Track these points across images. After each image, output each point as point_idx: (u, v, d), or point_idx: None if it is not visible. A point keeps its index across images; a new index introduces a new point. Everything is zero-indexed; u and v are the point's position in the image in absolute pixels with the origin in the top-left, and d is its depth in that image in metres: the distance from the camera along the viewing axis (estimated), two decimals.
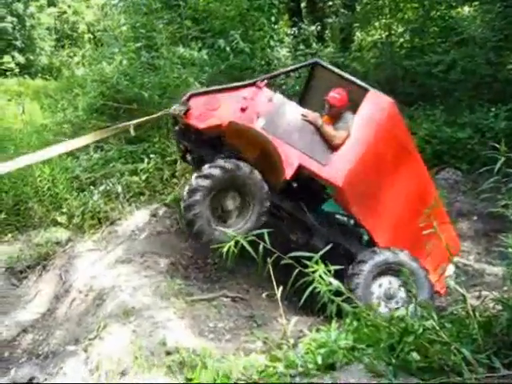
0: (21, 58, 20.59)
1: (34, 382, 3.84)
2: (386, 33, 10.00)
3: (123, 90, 6.89)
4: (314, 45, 9.55)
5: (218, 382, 2.30)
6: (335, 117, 4.59)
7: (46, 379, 3.77)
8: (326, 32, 11.19)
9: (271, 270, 2.24)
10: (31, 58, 22.01)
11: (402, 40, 9.83)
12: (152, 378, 2.74)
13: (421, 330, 1.92)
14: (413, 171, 4.65)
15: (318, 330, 2.45)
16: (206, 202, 4.14)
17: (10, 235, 5.85)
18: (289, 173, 4.29)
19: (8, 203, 5.98)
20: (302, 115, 4.46)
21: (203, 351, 2.75)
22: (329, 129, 4.42)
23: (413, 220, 4.02)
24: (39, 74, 20.36)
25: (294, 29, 9.76)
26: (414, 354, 1.99)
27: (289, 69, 5.65)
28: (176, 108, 4.52)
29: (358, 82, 4.71)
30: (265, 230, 1.89)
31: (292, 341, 2.46)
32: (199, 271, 4.82)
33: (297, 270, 1.83)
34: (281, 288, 2.36)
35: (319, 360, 2.23)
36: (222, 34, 7.65)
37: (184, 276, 4.59)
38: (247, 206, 4.37)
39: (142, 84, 6.76)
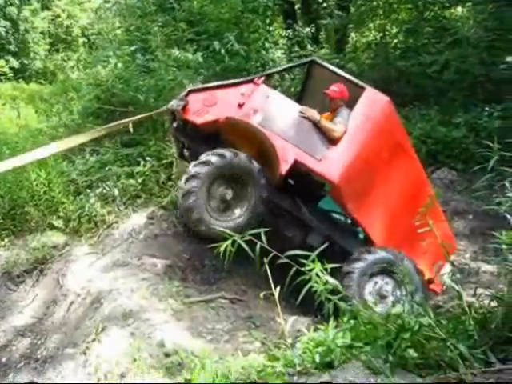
0: (15, 63, 20.53)
1: None
2: (381, 34, 10.06)
3: (118, 93, 6.90)
4: (309, 46, 9.59)
5: (217, 382, 2.31)
6: (334, 111, 4.65)
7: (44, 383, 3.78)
8: (321, 33, 11.22)
9: (268, 270, 2.26)
10: (25, 62, 21.96)
11: (396, 41, 9.87)
12: (151, 380, 2.75)
13: (417, 327, 1.94)
14: (408, 169, 4.65)
15: (315, 329, 2.46)
16: (203, 189, 4.15)
17: (6, 240, 5.81)
18: (284, 168, 4.31)
19: (4, 207, 5.94)
20: (300, 112, 4.50)
21: (202, 352, 2.76)
22: (327, 123, 4.45)
23: (408, 218, 4.02)
24: (34, 78, 20.32)
25: (288, 31, 9.80)
26: (411, 351, 2.00)
27: (286, 66, 5.70)
28: (174, 103, 4.58)
29: (355, 80, 4.75)
30: (261, 230, 1.90)
31: (290, 340, 2.47)
32: (196, 273, 4.80)
33: (293, 269, 1.84)
34: (278, 288, 2.37)
35: (317, 359, 2.24)
36: (217, 36, 7.67)
37: (181, 278, 4.58)
38: (245, 195, 4.37)
39: (138, 87, 6.76)
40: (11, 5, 21.53)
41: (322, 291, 2.11)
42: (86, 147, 6.82)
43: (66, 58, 18.91)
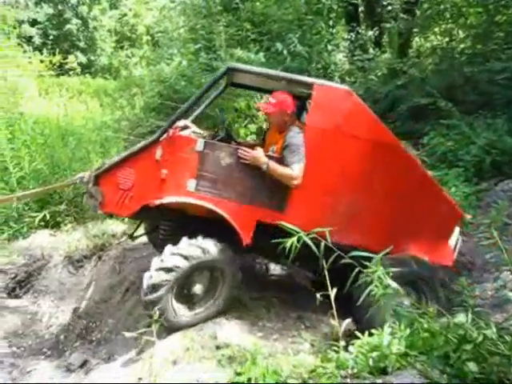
0: (83, 58, 21.56)
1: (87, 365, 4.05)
2: (447, 38, 9.72)
3: (181, 89, 7.07)
4: (371, 50, 9.43)
5: (268, 378, 2.33)
6: (282, 127, 3.70)
7: (98, 363, 3.95)
8: (384, 37, 11.01)
9: (326, 271, 2.25)
10: (92, 58, 23.02)
11: (463, 46, 9.51)
12: (202, 369, 2.81)
13: (480, 339, 1.88)
14: (396, 163, 3.56)
15: (370, 334, 2.43)
16: (175, 284, 3.45)
17: (69, 225, 6.12)
18: (247, 237, 3.51)
19: (68, 195, 6.26)
20: (240, 158, 3.46)
21: (253, 347, 2.79)
22: (278, 169, 3.42)
23: (408, 211, 3.61)
24: (99, 74, 21.29)
25: (351, 33, 9.68)
26: (471, 364, 1.94)
27: (202, 91, 3.69)
28: (89, 202, 3.73)
29: (295, 76, 3.68)
30: (327, 229, 1.90)
31: (343, 343, 2.45)
32: (250, 271, 4.84)
33: (356, 270, 1.83)
34: (335, 289, 2.36)
35: (371, 363, 2.22)
36: (279, 37, 7.69)
37: None
38: (216, 286, 3.68)
39: (200, 84, 6.90)
40: (83, 4, 22.65)
41: (380, 296, 2.08)
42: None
43: (129, 55, 19.66)
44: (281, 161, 3.47)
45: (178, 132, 3.53)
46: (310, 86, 3.48)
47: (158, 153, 3.47)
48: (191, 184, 3.48)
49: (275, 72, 3.82)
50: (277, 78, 3.66)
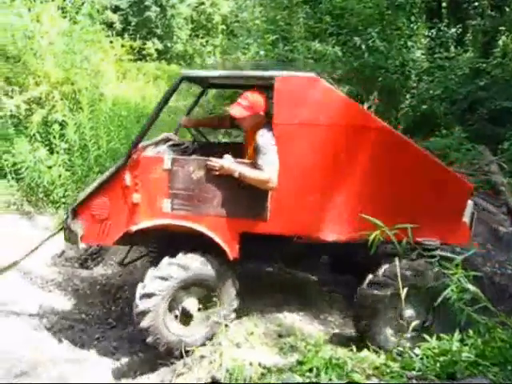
0: (159, 45, 22.21)
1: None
2: None
3: None
4: (453, 48, 9.03)
5: (331, 370, 2.34)
6: (256, 129, 3.37)
7: None
8: (467, 35, 10.48)
9: (398, 270, 2.22)
10: (168, 45, 23.65)
11: None
12: (265, 355, 2.87)
13: None
14: (383, 146, 3.21)
15: (438, 338, 2.38)
16: (162, 307, 3.31)
17: None
18: (233, 251, 3.33)
19: None
20: (212, 170, 3.23)
21: (317, 338, 2.81)
22: (251, 173, 3.15)
23: (410, 194, 3.21)
24: (174, 60, 21.88)
25: (432, 30, 9.30)
26: None
27: (159, 106, 3.42)
28: (70, 237, 3.60)
29: (251, 73, 3.42)
30: (409, 226, 1.87)
31: (409, 344, 2.42)
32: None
33: (435, 270, 1.79)
34: (405, 289, 2.32)
35: (438, 367, 2.18)
36: (357, 31, 7.55)
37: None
38: (212, 305, 3.46)
39: None
40: None
41: (455, 300, 2.03)
42: None
43: (204, 44, 20.01)
44: (253, 165, 3.22)
45: (142, 153, 3.38)
46: (270, 79, 3.17)
47: (127, 178, 3.34)
48: (166, 204, 3.34)
49: (230, 72, 3.68)
50: (232, 78, 3.47)
